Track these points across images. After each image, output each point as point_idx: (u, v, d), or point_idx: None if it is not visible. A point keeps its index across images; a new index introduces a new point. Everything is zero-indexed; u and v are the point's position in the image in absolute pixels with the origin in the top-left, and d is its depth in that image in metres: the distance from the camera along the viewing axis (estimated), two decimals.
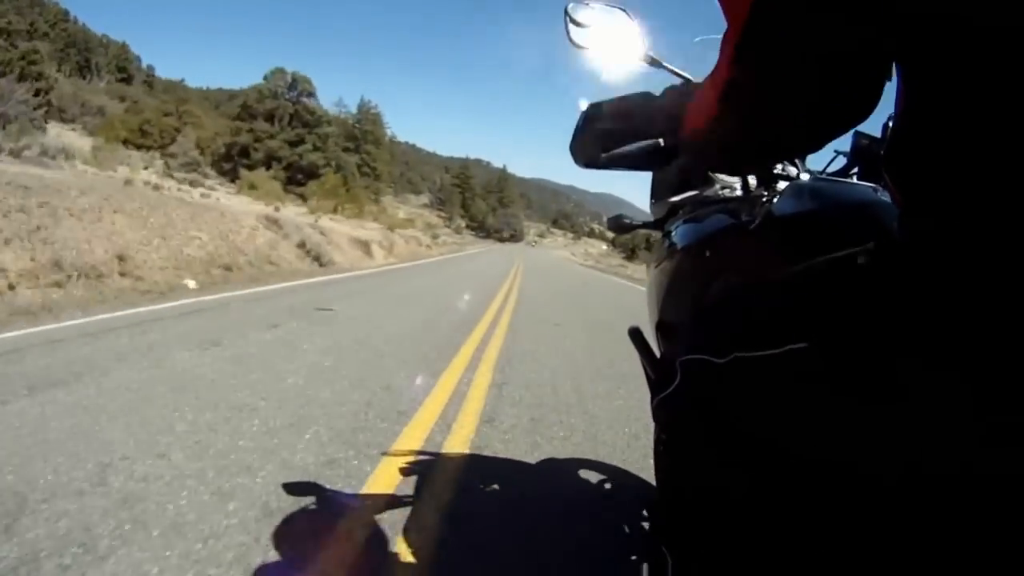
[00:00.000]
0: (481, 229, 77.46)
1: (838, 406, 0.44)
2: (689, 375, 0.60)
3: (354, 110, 54.71)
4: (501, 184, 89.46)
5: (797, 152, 0.67)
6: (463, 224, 72.96)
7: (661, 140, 0.75)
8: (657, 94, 0.81)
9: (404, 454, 2.02)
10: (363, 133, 53.28)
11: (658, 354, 0.89)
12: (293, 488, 1.64)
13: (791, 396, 0.49)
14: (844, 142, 0.87)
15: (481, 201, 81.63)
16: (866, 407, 0.42)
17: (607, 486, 1.96)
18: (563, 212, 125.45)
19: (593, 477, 2.00)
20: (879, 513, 0.42)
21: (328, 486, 1.70)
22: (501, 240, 75.57)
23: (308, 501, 1.60)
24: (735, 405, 0.55)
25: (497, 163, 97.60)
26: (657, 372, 0.76)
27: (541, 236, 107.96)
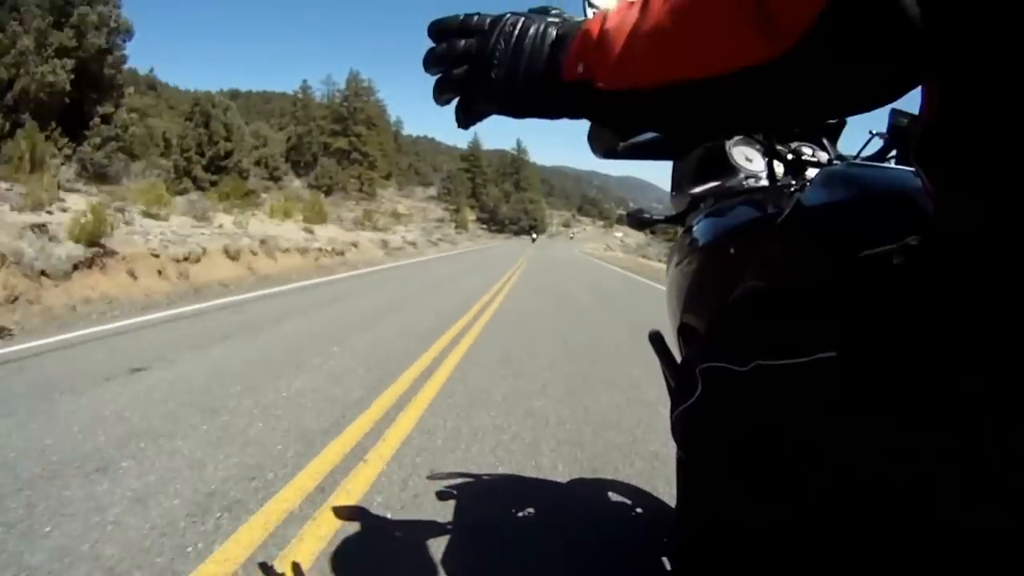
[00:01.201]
0: (493, 221, 75.38)
1: (871, 429, 0.43)
2: (709, 385, 0.63)
3: (343, 87, 52.09)
4: (516, 165, 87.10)
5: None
6: (471, 217, 70.31)
7: None
8: None
9: None
10: (352, 112, 50.47)
11: (679, 361, 0.94)
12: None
13: (817, 413, 0.50)
14: (881, 122, 0.92)
15: (493, 187, 79.57)
16: (906, 433, 0.40)
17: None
18: (588, 198, 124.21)
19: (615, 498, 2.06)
20: (922, 560, 0.41)
21: None
22: (517, 233, 73.35)
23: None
24: (756, 421, 0.57)
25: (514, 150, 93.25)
26: (677, 381, 0.79)
27: (566, 225, 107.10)
